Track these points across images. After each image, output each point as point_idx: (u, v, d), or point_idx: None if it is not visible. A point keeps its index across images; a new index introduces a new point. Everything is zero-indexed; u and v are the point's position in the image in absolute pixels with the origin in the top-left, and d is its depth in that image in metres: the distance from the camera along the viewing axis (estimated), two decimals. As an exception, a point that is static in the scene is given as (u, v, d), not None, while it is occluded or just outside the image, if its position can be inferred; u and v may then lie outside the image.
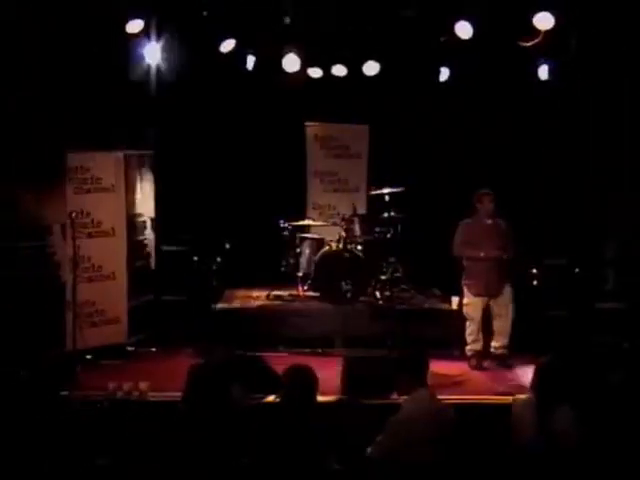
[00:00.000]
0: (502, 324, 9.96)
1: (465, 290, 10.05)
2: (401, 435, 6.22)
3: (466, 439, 6.70)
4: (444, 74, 11.93)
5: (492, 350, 10.03)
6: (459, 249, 10.01)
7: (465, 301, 10.06)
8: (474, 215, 10.02)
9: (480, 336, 10.00)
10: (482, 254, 9.86)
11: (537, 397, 6.49)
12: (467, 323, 10.02)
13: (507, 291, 9.95)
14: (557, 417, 6.31)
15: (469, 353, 10.02)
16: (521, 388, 7.93)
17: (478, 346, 9.99)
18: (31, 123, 9.80)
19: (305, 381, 6.11)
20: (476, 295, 9.96)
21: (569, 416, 6.31)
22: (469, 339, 10.02)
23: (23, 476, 6.43)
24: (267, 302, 11.48)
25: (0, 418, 6.84)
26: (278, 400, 6.44)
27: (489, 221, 9.94)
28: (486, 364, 9.99)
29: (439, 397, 6.87)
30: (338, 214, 12.27)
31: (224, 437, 6.24)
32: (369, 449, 6.29)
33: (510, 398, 7.24)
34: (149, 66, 10.97)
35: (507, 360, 9.95)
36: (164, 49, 10.94)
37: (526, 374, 8.22)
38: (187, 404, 6.58)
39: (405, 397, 6.50)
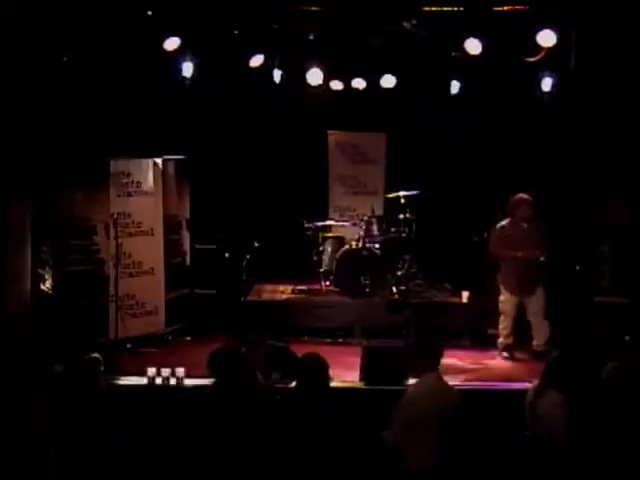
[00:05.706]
0: (538, 321, 9.62)
1: (502, 288, 9.74)
2: (409, 414, 6.06)
3: (478, 423, 6.60)
4: (455, 87, 11.84)
5: (535, 348, 9.60)
6: (496, 249, 9.71)
7: (501, 298, 9.75)
8: (511, 217, 9.68)
9: (512, 331, 9.72)
10: (519, 254, 9.50)
11: (538, 384, 6.44)
12: (501, 317, 9.76)
13: (540, 291, 9.63)
14: (544, 401, 6.26)
15: (500, 346, 9.78)
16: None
17: (509, 340, 9.74)
18: (76, 133, 9.87)
19: (316, 368, 5.97)
20: (511, 294, 9.66)
21: (556, 400, 6.19)
22: (502, 333, 9.77)
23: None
24: (292, 296, 11.46)
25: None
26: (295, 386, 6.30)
27: (525, 224, 9.59)
28: (518, 355, 9.75)
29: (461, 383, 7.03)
30: (357, 215, 12.17)
31: (252, 420, 6.10)
32: (384, 432, 6.16)
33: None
34: (185, 80, 10.81)
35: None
36: (198, 65, 10.77)
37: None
38: (218, 388, 6.40)
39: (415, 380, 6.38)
